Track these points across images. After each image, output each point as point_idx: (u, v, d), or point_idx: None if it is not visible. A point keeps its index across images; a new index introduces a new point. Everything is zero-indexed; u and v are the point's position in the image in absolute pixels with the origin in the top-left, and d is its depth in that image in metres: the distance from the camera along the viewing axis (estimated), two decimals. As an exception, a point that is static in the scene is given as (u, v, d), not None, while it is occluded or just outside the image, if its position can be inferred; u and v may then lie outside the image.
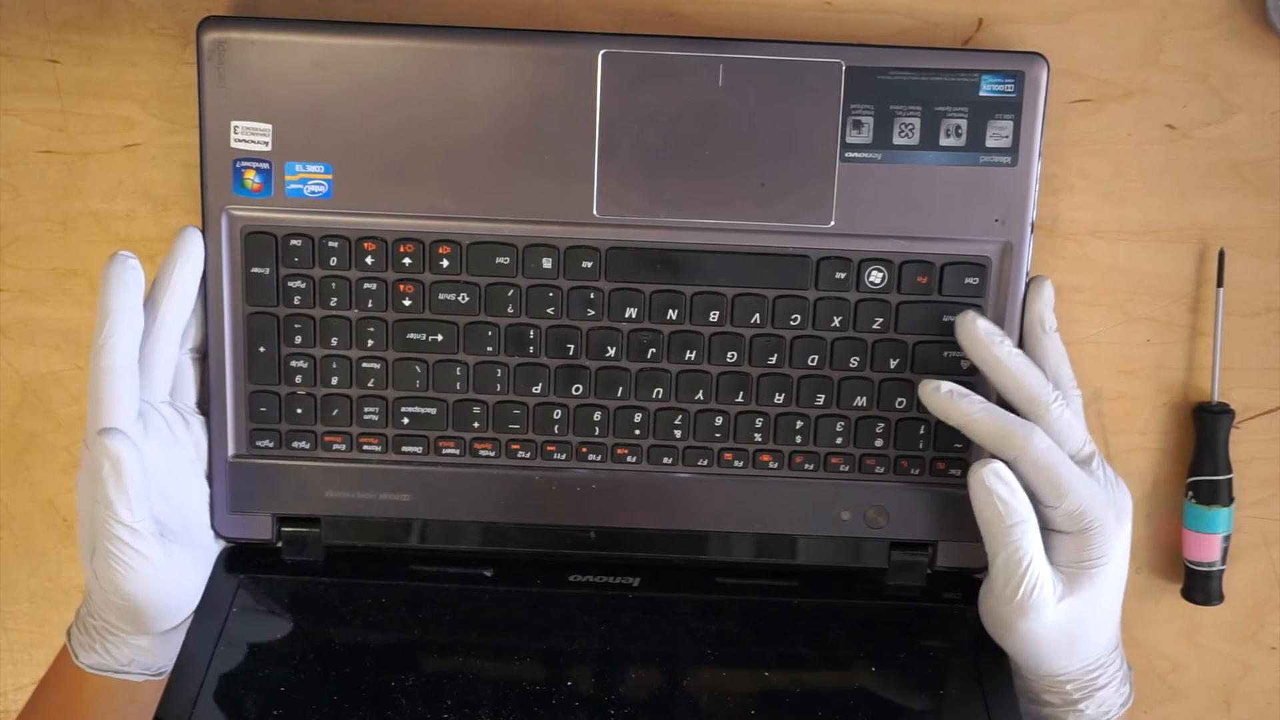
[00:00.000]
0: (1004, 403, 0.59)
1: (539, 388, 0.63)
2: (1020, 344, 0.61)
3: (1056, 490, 0.57)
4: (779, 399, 0.63)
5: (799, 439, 0.63)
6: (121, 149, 0.65)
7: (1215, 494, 0.66)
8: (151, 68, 0.64)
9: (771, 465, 0.64)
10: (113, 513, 0.55)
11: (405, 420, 0.63)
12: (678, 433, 0.63)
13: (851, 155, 0.60)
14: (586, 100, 0.60)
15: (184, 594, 0.60)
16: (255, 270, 0.61)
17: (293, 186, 0.61)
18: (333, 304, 0.62)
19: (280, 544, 0.64)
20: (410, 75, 0.59)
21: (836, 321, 0.62)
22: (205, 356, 0.62)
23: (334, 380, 0.63)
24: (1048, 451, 0.57)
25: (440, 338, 0.62)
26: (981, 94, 0.60)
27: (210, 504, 0.63)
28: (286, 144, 0.60)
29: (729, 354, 0.62)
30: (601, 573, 0.65)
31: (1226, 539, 0.67)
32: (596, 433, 0.63)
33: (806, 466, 0.64)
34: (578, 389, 0.63)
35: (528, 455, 0.64)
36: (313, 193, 0.61)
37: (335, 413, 0.63)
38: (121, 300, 0.56)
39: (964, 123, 0.60)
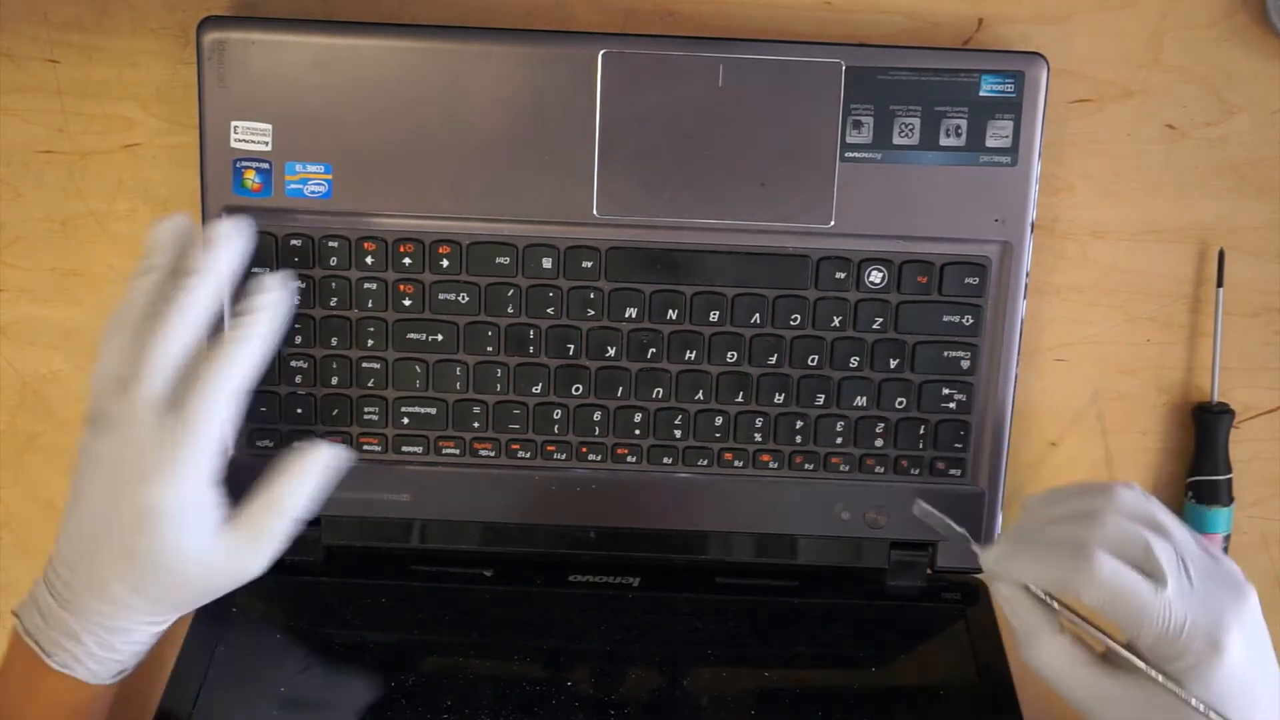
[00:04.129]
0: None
1: (539, 388, 0.63)
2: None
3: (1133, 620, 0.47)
4: (779, 399, 0.63)
5: (799, 439, 0.63)
6: (121, 149, 0.65)
7: (1215, 494, 0.66)
8: (151, 68, 0.64)
9: (771, 465, 0.64)
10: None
11: (405, 420, 0.63)
12: (678, 433, 0.63)
13: (851, 155, 0.60)
14: (586, 100, 0.60)
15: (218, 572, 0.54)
16: (255, 270, 0.61)
17: (293, 186, 0.61)
18: (333, 304, 0.62)
19: (280, 544, 0.64)
20: (410, 75, 0.59)
21: (836, 321, 0.62)
22: None
23: (334, 380, 0.63)
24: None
25: (440, 338, 0.62)
26: (981, 94, 0.60)
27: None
28: (286, 144, 0.60)
29: (729, 354, 0.62)
30: (601, 573, 0.65)
31: (1226, 539, 0.66)
32: (596, 433, 0.63)
33: (806, 466, 0.64)
34: (578, 389, 0.63)
35: (528, 455, 0.63)
36: (313, 193, 0.61)
37: (335, 413, 0.63)
38: (219, 268, 0.53)
39: (964, 123, 0.60)
